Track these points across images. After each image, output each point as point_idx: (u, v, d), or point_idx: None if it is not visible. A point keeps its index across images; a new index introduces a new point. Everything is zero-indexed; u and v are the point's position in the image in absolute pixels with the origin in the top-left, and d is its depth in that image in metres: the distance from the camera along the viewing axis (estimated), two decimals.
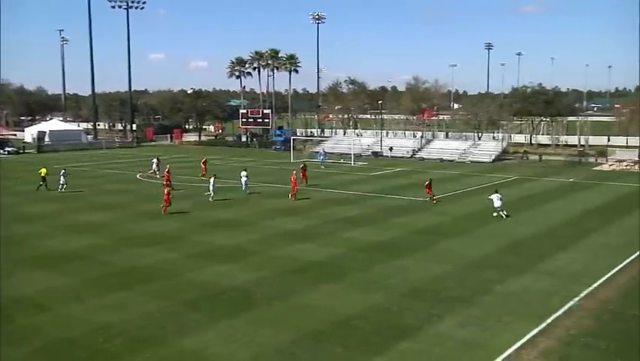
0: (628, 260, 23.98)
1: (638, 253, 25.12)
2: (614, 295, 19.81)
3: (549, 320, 17.43)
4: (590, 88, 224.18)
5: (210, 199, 38.04)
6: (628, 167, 59.70)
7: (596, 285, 20.77)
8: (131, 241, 27.45)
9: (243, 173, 42.52)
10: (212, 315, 18.07)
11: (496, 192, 34.31)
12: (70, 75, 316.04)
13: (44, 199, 39.62)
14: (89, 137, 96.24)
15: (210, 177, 39.75)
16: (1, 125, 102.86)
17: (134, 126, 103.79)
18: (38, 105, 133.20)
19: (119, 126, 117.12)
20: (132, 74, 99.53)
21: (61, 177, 42.96)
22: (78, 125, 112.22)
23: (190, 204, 37.66)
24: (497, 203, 33.42)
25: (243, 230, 29.83)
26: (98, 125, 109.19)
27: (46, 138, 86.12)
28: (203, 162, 51.66)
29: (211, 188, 38.51)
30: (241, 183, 41.83)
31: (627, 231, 29.53)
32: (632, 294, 20.02)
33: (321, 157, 60.86)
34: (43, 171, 44.68)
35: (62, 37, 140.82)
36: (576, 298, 19.34)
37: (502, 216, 32.85)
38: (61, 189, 42.56)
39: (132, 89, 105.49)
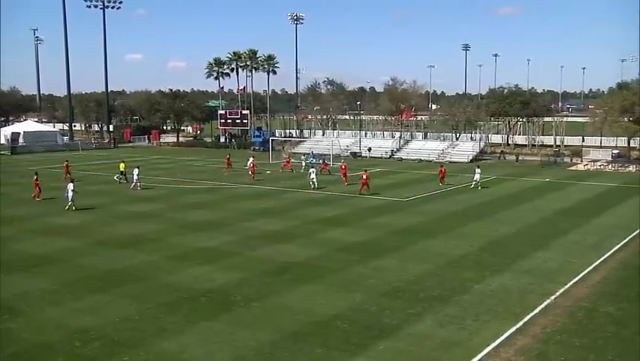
0: (602, 258, 24.38)
1: (611, 251, 25.58)
2: (588, 293, 20.12)
3: (526, 319, 17.65)
4: (565, 89, 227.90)
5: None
6: (602, 167, 60.66)
7: (571, 283, 21.08)
8: (108, 244, 27.18)
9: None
10: (191, 317, 17.97)
11: (478, 167, 45.98)
12: (45, 75, 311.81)
13: (18, 202, 39.05)
14: (65, 138, 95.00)
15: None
16: None
17: (111, 127, 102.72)
18: (12, 106, 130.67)
19: (96, 127, 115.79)
20: (109, 74, 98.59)
21: (135, 175, 44.23)
22: (54, 126, 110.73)
23: (166, 205, 37.44)
24: (477, 176, 44.03)
25: (222, 231, 29.72)
26: (74, 126, 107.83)
27: (21, 139, 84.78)
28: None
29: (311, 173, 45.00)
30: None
31: (601, 230, 30.01)
32: (605, 292, 20.36)
33: (312, 159, 60.02)
34: (122, 165, 47.81)
35: (37, 37, 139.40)
36: (552, 297, 19.60)
37: (478, 188, 43.51)
38: (134, 185, 43.97)
39: (109, 90, 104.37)
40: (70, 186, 35.84)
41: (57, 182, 46.20)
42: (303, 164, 56.91)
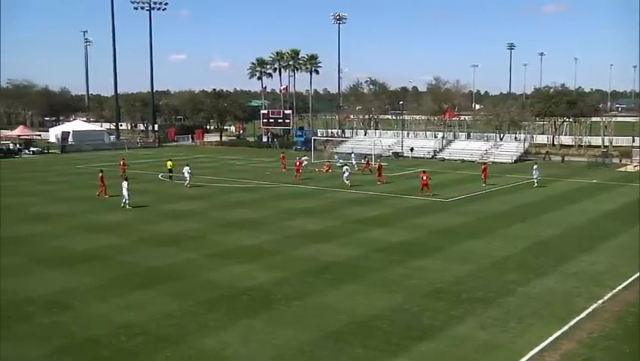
0: None
1: None
2: (638, 298, 19.47)
3: (572, 323, 17.19)
4: (614, 88, 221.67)
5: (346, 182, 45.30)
6: None
7: (619, 287, 20.45)
8: (151, 241, 27.66)
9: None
10: (232, 315, 18.13)
11: (536, 163, 48.79)
12: (93, 76, 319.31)
13: (62, 199, 40.12)
14: (112, 137, 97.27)
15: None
16: (26, 126, 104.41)
17: (156, 127, 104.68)
18: (62, 106, 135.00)
19: (141, 127, 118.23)
20: (154, 74, 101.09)
21: (186, 173, 45.40)
22: (101, 126, 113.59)
23: (208, 203, 37.89)
24: (535, 174, 45.46)
25: (262, 230, 29.90)
26: (121, 125, 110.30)
27: (70, 139, 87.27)
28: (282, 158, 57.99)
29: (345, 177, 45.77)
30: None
31: None
32: None
33: (341, 160, 59.98)
34: (170, 164, 49.27)
35: (86, 39, 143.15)
36: (599, 301, 19.06)
37: (534, 185, 45.02)
38: (187, 183, 45.14)
39: (154, 90, 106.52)
40: (125, 184, 36.47)
41: (115, 179, 47.33)
42: (353, 162, 57.28)
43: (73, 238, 28.36)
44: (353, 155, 61.96)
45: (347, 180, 45.67)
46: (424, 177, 41.37)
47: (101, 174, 41.45)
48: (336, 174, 51.99)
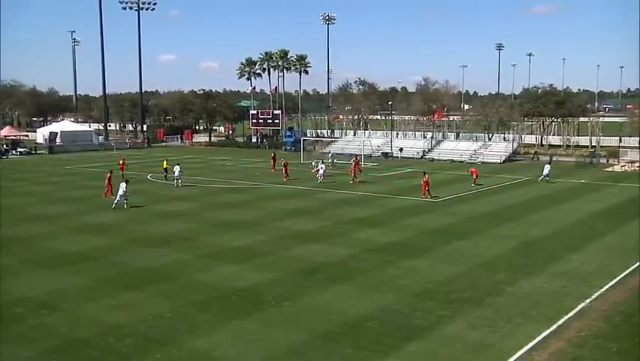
0: None
1: None
2: (626, 297, 19.67)
3: (560, 322, 17.34)
4: (601, 89, 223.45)
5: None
6: None
7: (607, 286, 20.64)
8: (143, 242, 27.56)
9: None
10: (223, 316, 18.12)
11: (550, 163, 50.64)
12: (81, 76, 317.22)
13: (55, 200, 39.88)
14: (100, 138, 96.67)
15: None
16: (13, 127, 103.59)
17: (145, 127, 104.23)
18: (50, 106, 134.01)
19: (130, 127, 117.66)
20: (143, 74, 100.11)
21: (176, 172, 45.52)
22: (89, 126, 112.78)
23: (199, 204, 37.81)
24: (546, 171, 47.16)
25: (254, 231, 29.89)
26: (109, 126, 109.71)
27: (58, 139, 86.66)
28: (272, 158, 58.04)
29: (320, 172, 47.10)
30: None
31: None
32: None
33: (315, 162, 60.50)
34: (165, 163, 49.89)
35: (74, 39, 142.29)
36: (588, 300, 19.23)
37: (546, 181, 46.86)
38: (177, 183, 45.32)
39: (143, 90, 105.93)
40: (123, 185, 36.25)
41: (91, 180, 47.13)
42: (330, 161, 58.72)
43: (66, 239, 28.22)
44: (330, 154, 62.91)
45: (320, 177, 46.91)
46: (424, 179, 40.67)
47: (109, 175, 41.06)
48: (328, 173, 52.04)
